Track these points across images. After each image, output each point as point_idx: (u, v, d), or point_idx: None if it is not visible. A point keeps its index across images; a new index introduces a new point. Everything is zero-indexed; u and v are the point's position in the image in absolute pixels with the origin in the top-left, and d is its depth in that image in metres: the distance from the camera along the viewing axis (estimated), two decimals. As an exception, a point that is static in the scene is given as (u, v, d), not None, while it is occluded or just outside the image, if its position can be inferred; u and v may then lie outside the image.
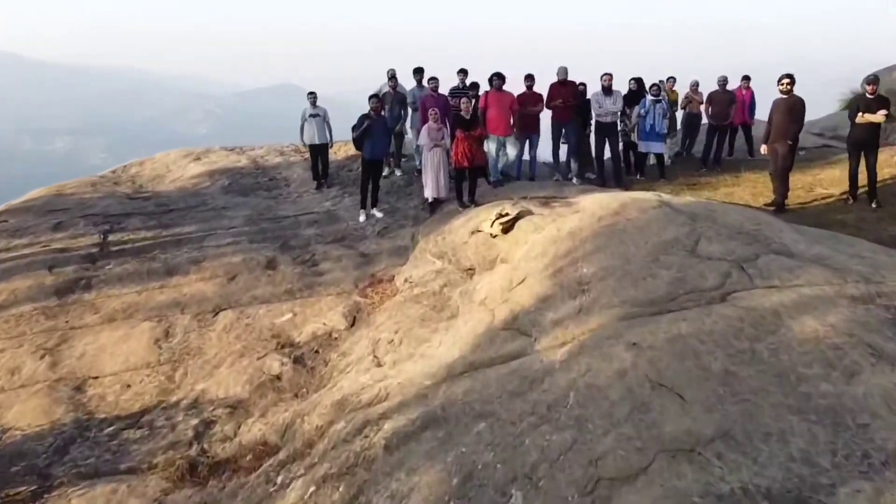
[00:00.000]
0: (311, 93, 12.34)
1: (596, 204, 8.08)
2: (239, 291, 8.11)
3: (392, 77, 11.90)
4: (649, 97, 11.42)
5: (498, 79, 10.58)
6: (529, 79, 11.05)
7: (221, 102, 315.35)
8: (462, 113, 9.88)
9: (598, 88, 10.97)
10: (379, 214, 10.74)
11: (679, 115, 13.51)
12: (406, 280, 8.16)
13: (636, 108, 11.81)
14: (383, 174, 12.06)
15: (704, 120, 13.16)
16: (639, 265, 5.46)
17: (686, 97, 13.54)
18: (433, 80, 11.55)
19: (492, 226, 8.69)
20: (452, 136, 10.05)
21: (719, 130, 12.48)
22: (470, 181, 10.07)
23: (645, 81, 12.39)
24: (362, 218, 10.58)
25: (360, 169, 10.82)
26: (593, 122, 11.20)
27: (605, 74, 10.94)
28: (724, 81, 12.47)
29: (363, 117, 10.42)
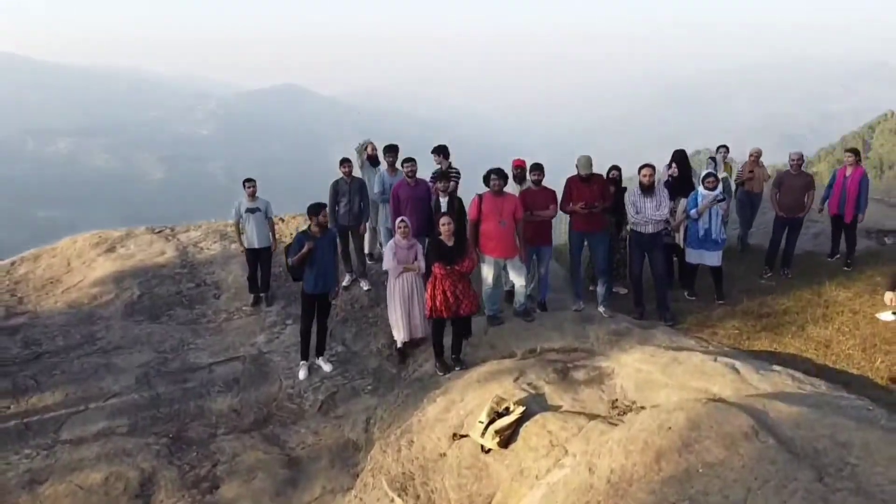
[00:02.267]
0: (247, 180, 9.24)
1: (650, 419, 4.99)
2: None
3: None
4: (702, 189, 8.25)
5: (497, 177, 7.42)
6: (536, 171, 7.93)
7: (224, 103, 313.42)
8: (442, 238, 6.75)
9: (636, 188, 7.80)
10: (327, 368, 7.68)
11: (730, 184, 10.40)
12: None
13: (682, 202, 8.68)
14: (343, 284, 9.03)
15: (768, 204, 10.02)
16: None
17: (743, 170, 10.42)
18: (409, 162, 8.47)
19: (483, 433, 5.66)
20: (428, 268, 6.92)
21: (790, 224, 9.31)
22: (454, 334, 6.98)
23: (688, 153, 9.28)
24: (302, 374, 7.54)
25: (301, 306, 7.72)
26: (628, 228, 8.01)
27: (645, 167, 7.72)
28: (798, 160, 9.28)
29: (301, 236, 7.32)
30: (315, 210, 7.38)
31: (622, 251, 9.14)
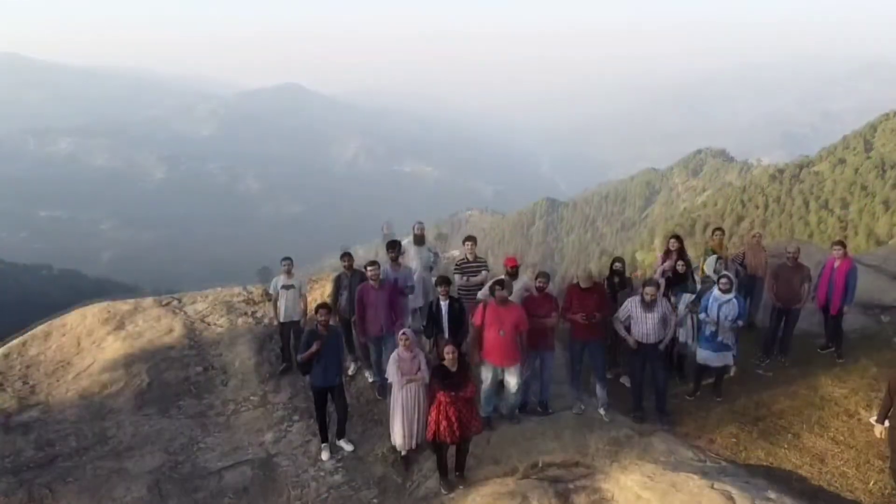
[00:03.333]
0: (285, 259, 9.86)
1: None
2: None
3: (345, 255, 9.28)
4: (716, 291, 8.42)
5: (502, 288, 7.65)
6: (542, 277, 8.14)
7: (225, 102, 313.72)
8: (446, 363, 6.94)
9: (637, 301, 7.96)
10: (348, 448, 8.20)
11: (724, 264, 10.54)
12: None
13: (684, 297, 8.88)
14: (348, 373, 9.30)
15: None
16: None
17: (741, 253, 10.58)
18: (373, 265, 8.80)
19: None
20: (432, 393, 7.09)
21: (787, 315, 9.49)
22: (458, 450, 7.19)
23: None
24: (325, 456, 8.08)
25: (313, 399, 8.11)
26: (630, 339, 8.14)
27: (649, 286, 7.90)
28: (795, 252, 9.45)
29: (309, 336, 7.73)
30: (316, 310, 8.02)
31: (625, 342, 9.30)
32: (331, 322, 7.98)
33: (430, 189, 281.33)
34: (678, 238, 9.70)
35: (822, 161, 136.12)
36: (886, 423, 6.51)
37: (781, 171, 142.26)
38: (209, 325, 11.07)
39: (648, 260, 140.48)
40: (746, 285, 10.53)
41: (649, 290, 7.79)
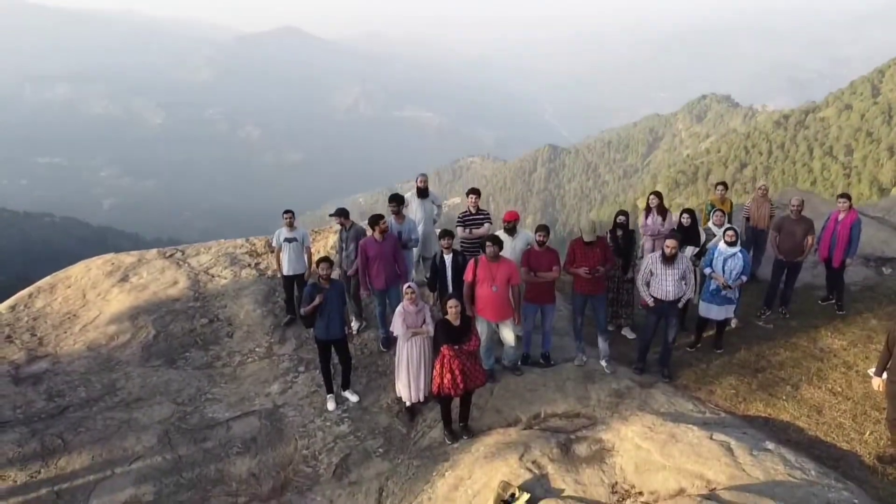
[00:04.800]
0: (286, 211, 9.83)
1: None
2: None
3: (341, 214, 9.35)
4: (722, 244, 8.41)
5: (493, 245, 7.64)
6: (542, 231, 8.12)
7: (222, 48, 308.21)
8: (449, 318, 6.99)
9: (657, 257, 7.88)
10: (353, 398, 8.38)
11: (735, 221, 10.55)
12: None
13: (688, 249, 8.92)
14: (353, 329, 9.44)
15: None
16: None
17: (750, 207, 10.54)
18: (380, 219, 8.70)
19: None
20: (436, 347, 7.16)
21: (789, 267, 9.51)
22: (462, 402, 7.32)
23: (697, 214, 9.45)
24: (331, 406, 8.27)
25: (318, 351, 8.23)
26: (648, 298, 8.10)
27: (669, 240, 7.77)
28: (799, 205, 9.39)
29: (311, 289, 7.82)
30: (317, 263, 8.06)
31: (628, 293, 9.37)
32: (332, 275, 8.00)
33: (431, 136, 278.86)
34: (658, 194, 9.75)
35: (829, 107, 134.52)
36: (885, 375, 6.57)
37: (786, 118, 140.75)
38: (213, 276, 11.13)
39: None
40: (750, 237, 10.54)
41: (670, 243, 7.72)
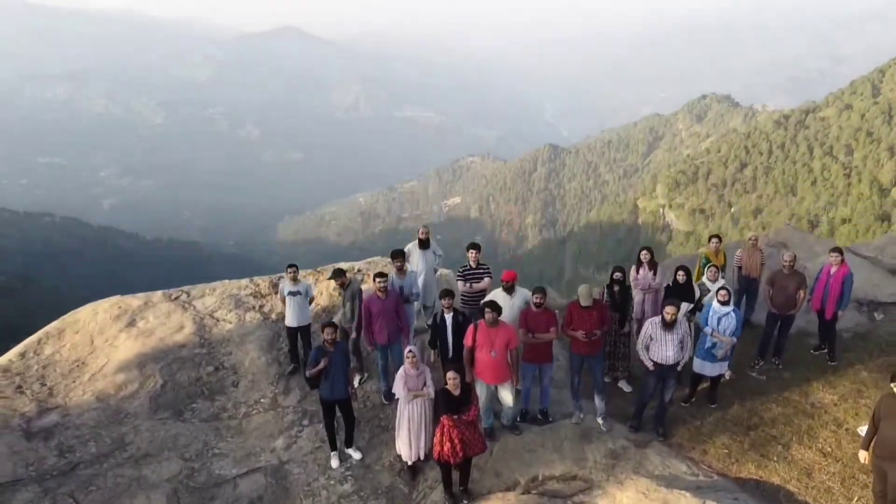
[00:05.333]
0: (290, 266, 10.01)
1: None
2: None
3: (337, 276, 9.54)
4: (715, 303, 8.63)
5: (492, 311, 7.87)
6: (539, 293, 8.34)
7: (223, 47, 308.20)
8: (448, 387, 7.22)
9: (657, 322, 8.09)
10: (356, 456, 8.60)
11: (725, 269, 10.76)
12: None
13: (683, 306, 9.13)
14: (355, 386, 9.71)
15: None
16: None
17: (741, 256, 10.77)
18: (381, 277, 8.90)
19: None
20: (436, 416, 7.38)
21: (782, 321, 9.74)
22: (462, 469, 7.55)
23: (691, 269, 9.66)
24: (335, 463, 8.48)
25: (322, 410, 8.47)
26: (648, 362, 8.32)
27: (669, 306, 7.97)
28: (791, 261, 9.62)
29: (318, 352, 8.06)
30: (323, 327, 8.25)
31: (624, 346, 9.60)
32: (337, 339, 8.23)
33: (431, 135, 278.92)
34: (649, 249, 9.97)
35: (829, 106, 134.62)
36: (870, 449, 6.79)
37: (787, 117, 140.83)
38: (218, 321, 11.35)
39: (650, 207, 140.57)
40: (743, 286, 10.77)
41: (670, 309, 7.94)
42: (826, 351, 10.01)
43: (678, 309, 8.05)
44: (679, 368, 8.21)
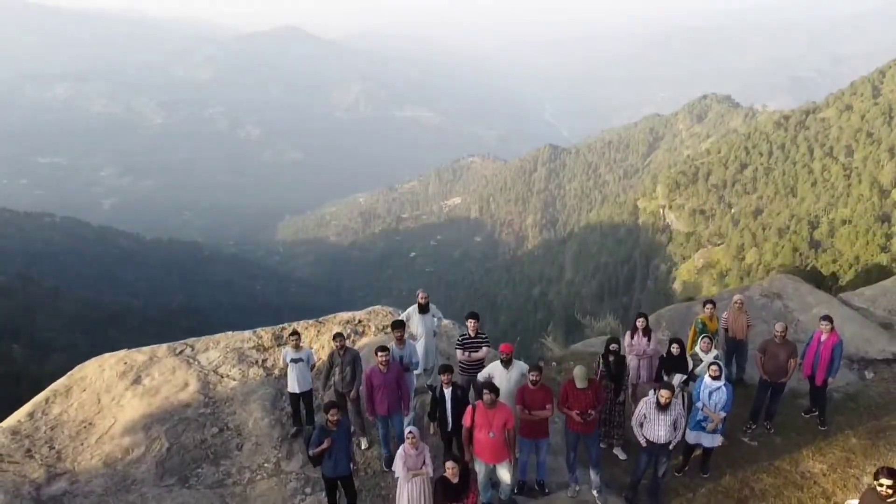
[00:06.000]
0: (293, 333, 10.36)
1: None
2: None
3: (337, 336, 9.85)
4: (707, 378, 8.85)
5: (490, 393, 8.10)
6: (535, 371, 8.58)
7: (223, 47, 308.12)
8: (447, 475, 7.45)
9: (651, 402, 8.32)
10: None
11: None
12: None
13: (676, 378, 9.41)
14: (363, 444, 9.97)
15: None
16: None
17: (727, 318, 11.02)
18: (384, 351, 9.12)
19: None
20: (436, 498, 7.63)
21: (773, 387, 9.98)
22: (461, 548, 7.77)
23: (684, 341, 9.90)
24: None
25: (325, 486, 8.69)
26: (641, 439, 8.55)
27: (664, 390, 8.23)
28: (783, 331, 9.86)
29: (321, 432, 8.27)
30: (325, 408, 8.39)
31: (619, 414, 9.83)
32: (339, 419, 8.44)
33: (431, 135, 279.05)
34: (644, 316, 10.25)
35: (829, 107, 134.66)
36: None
37: (787, 118, 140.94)
38: (222, 377, 11.58)
39: (650, 208, 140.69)
40: (731, 347, 11.04)
41: (664, 393, 8.17)
42: (817, 414, 10.24)
43: (673, 393, 8.28)
44: (671, 447, 8.43)
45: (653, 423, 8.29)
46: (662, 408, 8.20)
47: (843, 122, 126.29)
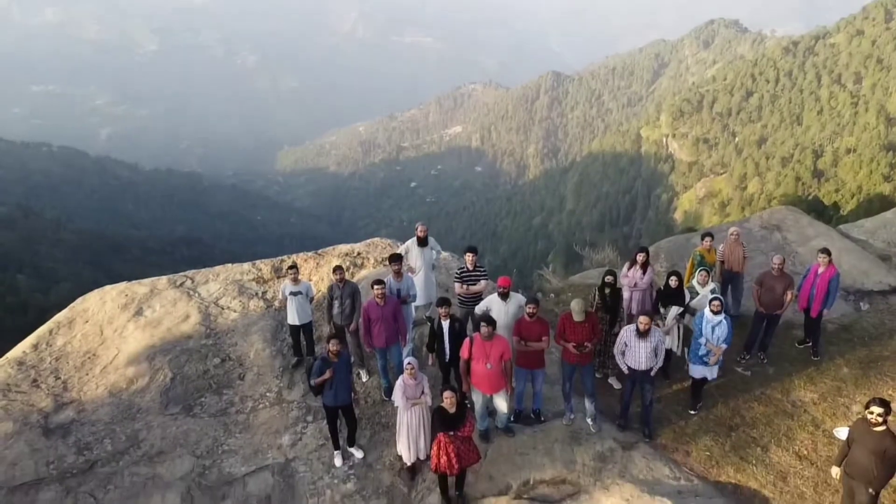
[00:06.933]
0: (291, 266, 10.45)
1: None
2: None
3: (337, 269, 9.93)
4: (708, 312, 8.92)
5: (487, 325, 8.18)
6: (532, 303, 8.64)
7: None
8: (445, 405, 7.61)
9: (632, 330, 8.46)
10: (359, 455, 9.07)
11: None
12: None
13: (673, 310, 9.52)
14: (364, 377, 10.18)
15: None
16: None
17: (724, 250, 11.01)
18: (380, 284, 9.19)
19: None
20: (434, 432, 7.82)
21: (768, 319, 10.07)
22: (457, 476, 8.03)
23: (682, 274, 9.91)
24: (338, 462, 8.97)
25: (326, 414, 8.88)
26: (623, 366, 8.74)
27: (643, 316, 8.41)
28: (781, 264, 9.87)
29: (322, 363, 8.41)
30: (327, 339, 8.61)
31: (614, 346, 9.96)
32: (340, 350, 8.55)
33: (431, 61, 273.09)
34: (646, 251, 10.18)
35: (840, 32, 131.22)
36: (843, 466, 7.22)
37: (795, 44, 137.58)
38: (223, 309, 11.69)
39: (653, 137, 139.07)
40: (727, 279, 11.07)
41: (644, 319, 8.31)
42: (810, 345, 10.37)
43: (651, 319, 8.43)
44: (652, 374, 8.59)
45: (633, 350, 8.46)
46: (642, 335, 8.34)
47: (853, 47, 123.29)
